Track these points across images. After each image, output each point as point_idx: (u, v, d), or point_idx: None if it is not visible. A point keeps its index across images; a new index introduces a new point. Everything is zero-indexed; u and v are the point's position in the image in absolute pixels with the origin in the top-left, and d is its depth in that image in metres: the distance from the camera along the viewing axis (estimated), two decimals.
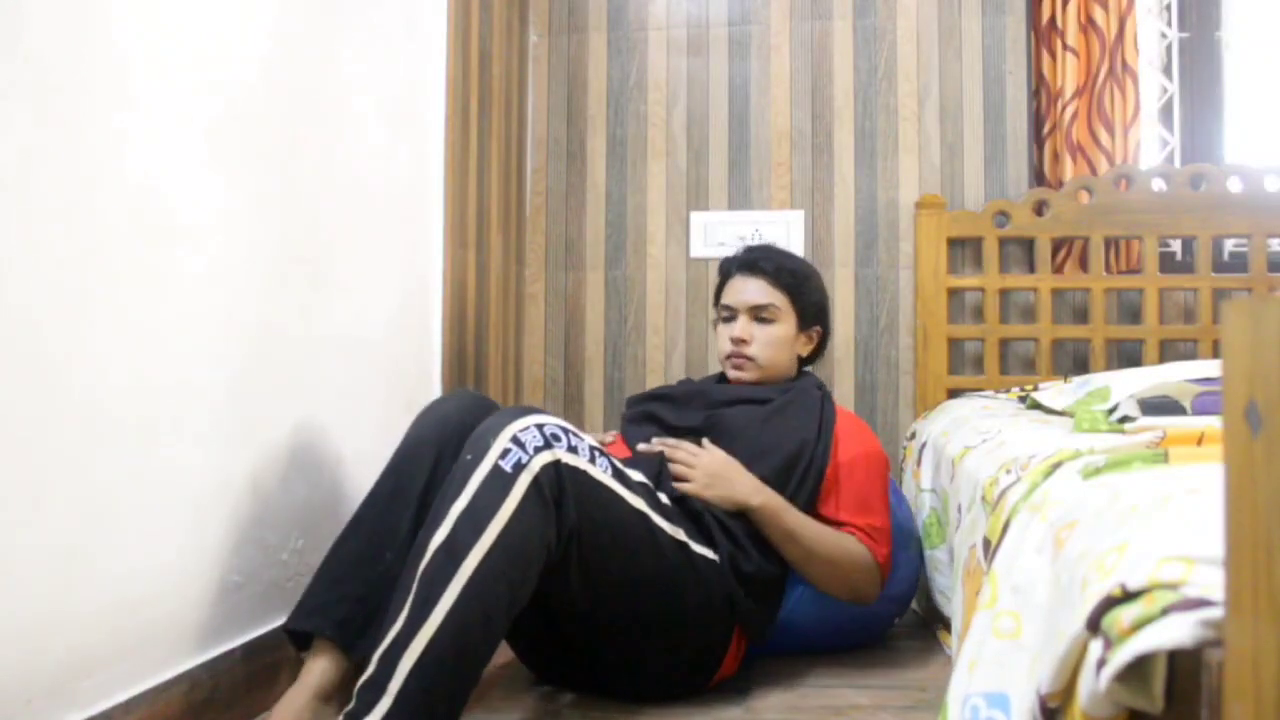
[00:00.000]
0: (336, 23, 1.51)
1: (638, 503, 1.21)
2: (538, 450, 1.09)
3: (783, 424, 1.49)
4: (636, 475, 1.26)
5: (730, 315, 1.63)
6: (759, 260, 1.62)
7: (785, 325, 1.60)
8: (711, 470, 1.39)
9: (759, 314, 1.59)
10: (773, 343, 1.59)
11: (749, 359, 1.59)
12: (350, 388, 1.55)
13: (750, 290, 1.60)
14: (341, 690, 1.12)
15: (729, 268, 1.66)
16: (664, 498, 1.30)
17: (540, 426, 1.12)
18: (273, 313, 1.33)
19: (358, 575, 1.17)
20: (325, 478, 1.46)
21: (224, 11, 1.21)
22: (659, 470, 1.40)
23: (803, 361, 1.68)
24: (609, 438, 1.58)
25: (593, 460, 1.16)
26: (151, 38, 1.08)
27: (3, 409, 0.87)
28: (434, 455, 1.22)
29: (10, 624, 0.88)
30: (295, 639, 1.18)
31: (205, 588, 1.19)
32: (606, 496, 1.17)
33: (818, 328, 1.66)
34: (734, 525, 1.37)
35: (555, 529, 1.10)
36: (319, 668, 1.13)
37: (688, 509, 1.35)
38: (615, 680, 1.33)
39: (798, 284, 1.61)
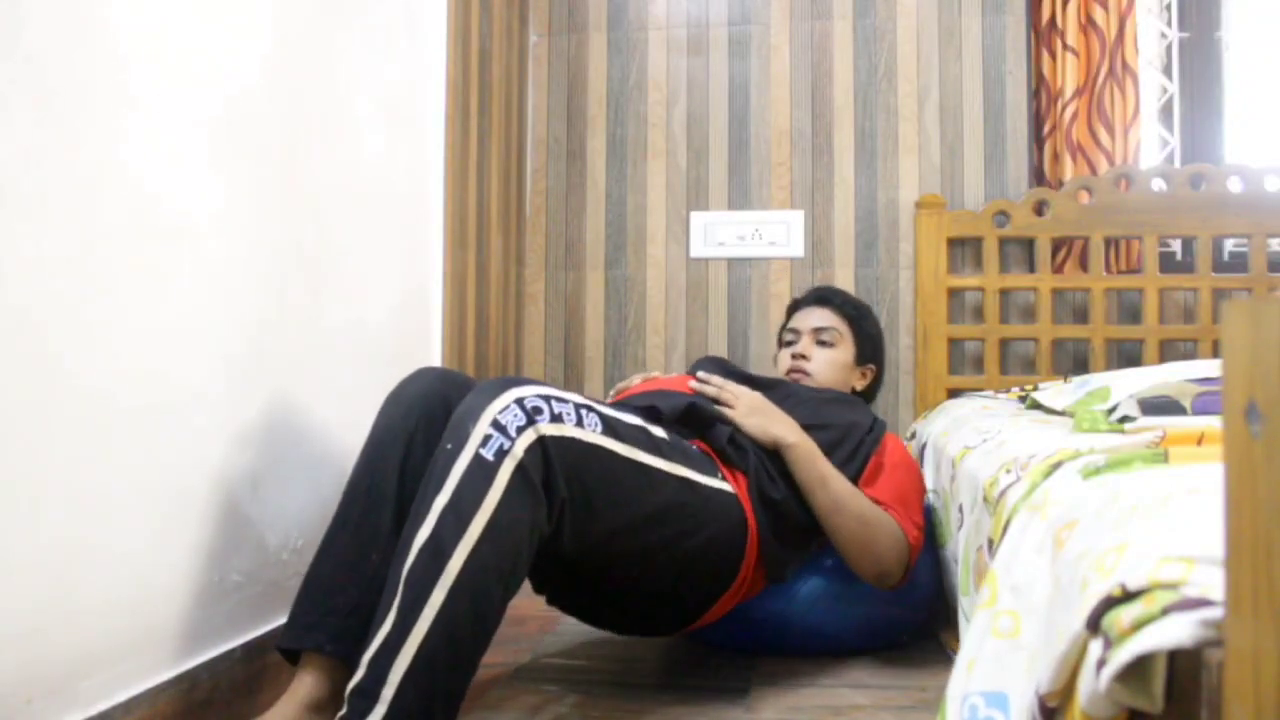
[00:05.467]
0: (336, 22, 1.51)
1: (632, 453, 1.17)
2: (520, 430, 1.03)
3: (841, 408, 1.59)
4: (630, 419, 1.21)
5: (794, 339, 1.77)
6: (826, 294, 1.80)
7: (844, 351, 1.74)
8: (752, 405, 1.46)
9: (820, 336, 1.74)
10: (831, 364, 1.73)
11: (807, 374, 1.71)
12: (350, 387, 1.55)
13: (815, 316, 1.77)
14: (334, 699, 1.08)
15: (797, 303, 1.84)
16: (658, 431, 1.26)
17: (520, 401, 1.05)
18: (273, 312, 1.33)
19: (347, 583, 1.13)
20: (325, 477, 1.46)
21: (224, 11, 1.22)
22: (707, 410, 1.41)
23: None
24: (636, 380, 1.64)
25: (580, 423, 1.10)
26: (151, 38, 1.08)
27: (3, 409, 0.87)
28: (404, 446, 1.17)
29: (10, 624, 0.88)
30: (288, 653, 1.14)
31: (205, 588, 1.19)
32: (597, 455, 1.12)
33: (872, 365, 1.79)
34: (766, 457, 1.40)
35: (545, 510, 1.06)
36: (309, 679, 1.09)
37: (717, 435, 1.38)
38: (602, 607, 1.38)
39: (860, 315, 1.77)
